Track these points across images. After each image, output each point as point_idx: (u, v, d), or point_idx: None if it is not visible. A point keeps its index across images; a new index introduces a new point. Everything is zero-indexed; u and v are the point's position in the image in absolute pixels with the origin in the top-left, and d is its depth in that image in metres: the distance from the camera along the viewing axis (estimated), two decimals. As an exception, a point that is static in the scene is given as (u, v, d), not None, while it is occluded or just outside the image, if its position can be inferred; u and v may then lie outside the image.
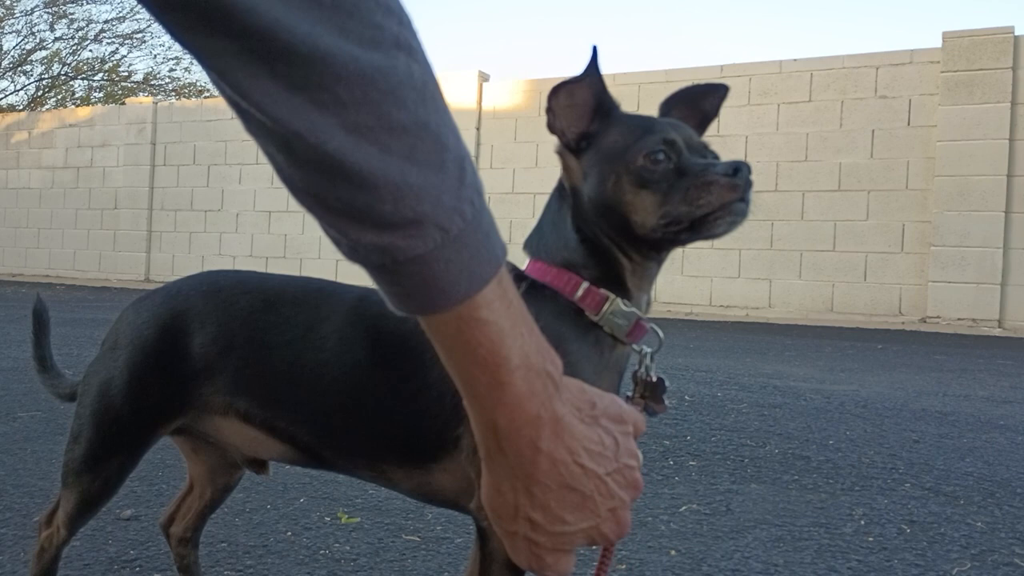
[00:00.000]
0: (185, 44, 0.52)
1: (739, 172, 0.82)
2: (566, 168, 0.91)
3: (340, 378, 0.92)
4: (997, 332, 7.43)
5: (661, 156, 0.84)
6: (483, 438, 0.67)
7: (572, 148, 0.90)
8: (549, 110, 0.88)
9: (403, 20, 0.56)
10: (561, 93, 0.87)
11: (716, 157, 0.88)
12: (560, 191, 0.93)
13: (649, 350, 0.91)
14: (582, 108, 0.88)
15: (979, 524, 1.78)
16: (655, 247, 0.88)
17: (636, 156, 0.85)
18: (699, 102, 0.97)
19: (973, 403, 3.46)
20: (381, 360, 0.90)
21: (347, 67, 0.52)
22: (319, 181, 0.55)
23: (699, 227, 0.83)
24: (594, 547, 0.77)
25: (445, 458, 0.86)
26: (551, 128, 0.89)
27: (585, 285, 0.86)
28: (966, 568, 1.52)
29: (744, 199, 0.82)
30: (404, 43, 0.55)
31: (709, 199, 0.82)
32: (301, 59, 0.51)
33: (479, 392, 0.64)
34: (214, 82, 0.54)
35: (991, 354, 5.60)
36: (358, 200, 0.55)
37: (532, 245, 0.92)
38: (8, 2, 18.61)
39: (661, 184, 0.84)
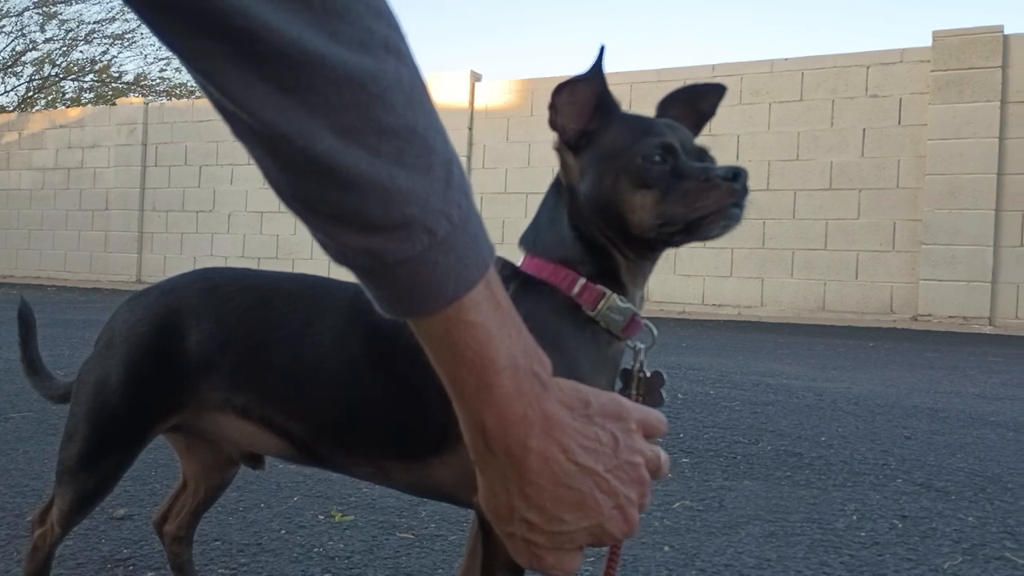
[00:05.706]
0: (173, 46, 0.52)
1: (738, 177, 0.83)
2: (564, 165, 0.92)
3: (339, 374, 0.92)
4: (987, 330, 7.47)
5: (657, 158, 0.85)
6: (472, 440, 0.67)
7: (571, 146, 0.90)
8: (551, 107, 0.89)
9: (392, 23, 0.56)
10: (564, 91, 0.88)
11: (713, 161, 0.90)
12: (557, 188, 0.93)
13: (643, 346, 0.91)
14: (583, 106, 0.89)
15: (970, 519, 1.80)
16: (650, 246, 0.89)
17: (634, 157, 0.86)
18: (696, 102, 0.98)
19: (964, 400, 3.48)
20: (380, 355, 0.90)
21: (337, 70, 0.52)
22: (307, 184, 0.55)
23: (694, 229, 0.85)
24: (601, 547, 0.76)
25: (445, 452, 0.86)
26: (552, 125, 0.90)
27: (582, 281, 0.87)
28: (957, 562, 1.53)
29: (739, 204, 0.84)
30: (393, 46, 0.55)
31: (706, 202, 0.83)
32: (291, 62, 0.51)
33: (467, 393, 0.64)
34: (201, 85, 0.54)
35: (981, 351, 5.63)
36: (346, 203, 0.55)
37: (528, 241, 0.92)
38: (2, 5, 18.50)
39: (658, 185, 0.85)
